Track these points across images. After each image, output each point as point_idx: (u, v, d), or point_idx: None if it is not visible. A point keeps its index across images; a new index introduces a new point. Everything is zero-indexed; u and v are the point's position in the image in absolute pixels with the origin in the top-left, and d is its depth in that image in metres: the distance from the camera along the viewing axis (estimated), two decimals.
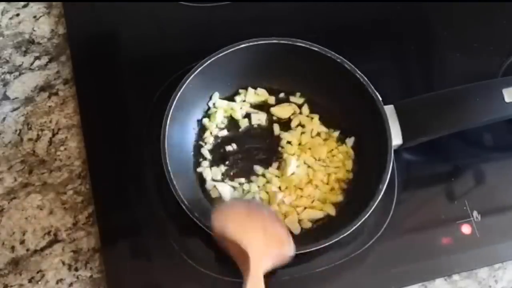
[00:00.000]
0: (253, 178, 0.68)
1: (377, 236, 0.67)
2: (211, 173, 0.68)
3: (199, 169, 0.69)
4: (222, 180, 0.68)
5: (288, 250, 0.59)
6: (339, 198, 0.67)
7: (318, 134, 0.70)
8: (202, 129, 0.70)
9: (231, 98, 0.72)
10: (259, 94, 0.72)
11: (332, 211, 0.67)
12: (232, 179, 0.68)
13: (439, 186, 0.70)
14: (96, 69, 0.74)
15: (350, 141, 0.70)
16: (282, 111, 0.71)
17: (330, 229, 0.63)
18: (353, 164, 0.69)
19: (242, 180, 0.68)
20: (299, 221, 0.66)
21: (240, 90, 0.72)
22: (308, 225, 0.66)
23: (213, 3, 0.77)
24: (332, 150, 0.70)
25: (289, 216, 0.66)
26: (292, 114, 0.71)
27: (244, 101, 0.72)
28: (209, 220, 0.60)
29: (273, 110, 0.71)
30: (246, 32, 0.68)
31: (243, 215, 0.60)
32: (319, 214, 0.67)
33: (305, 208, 0.67)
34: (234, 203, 0.64)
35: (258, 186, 0.68)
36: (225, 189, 0.67)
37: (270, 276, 0.58)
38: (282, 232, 0.60)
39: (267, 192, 0.67)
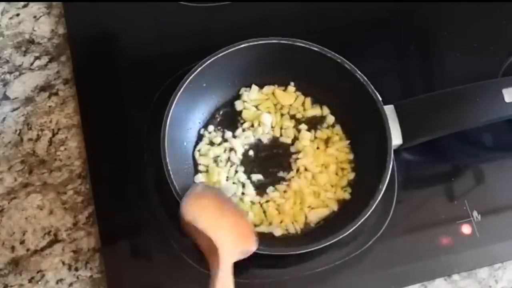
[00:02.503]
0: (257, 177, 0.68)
1: (377, 236, 0.67)
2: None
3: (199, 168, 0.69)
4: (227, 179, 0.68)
5: (252, 245, 0.60)
6: (346, 195, 0.68)
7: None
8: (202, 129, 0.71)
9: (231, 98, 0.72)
10: (263, 93, 0.72)
11: (335, 207, 0.67)
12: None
13: (439, 186, 0.70)
14: (96, 69, 0.74)
15: (348, 143, 0.70)
16: (285, 96, 0.71)
17: (330, 229, 0.63)
18: (353, 164, 0.69)
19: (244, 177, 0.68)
20: (305, 221, 0.66)
21: (242, 89, 0.72)
22: (311, 224, 0.66)
23: (213, 3, 0.77)
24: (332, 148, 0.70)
25: (297, 216, 0.67)
26: (294, 100, 0.72)
27: (245, 101, 0.72)
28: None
29: (277, 92, 0.71)
30: (246, 32, 0.68)
31: (215, 206, 0.61)
32: (325, 212, 0.67)
33: (311, 208, 0.67)
34: (206, 190, 0.63)
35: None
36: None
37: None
38: (248, 227, 0.62)
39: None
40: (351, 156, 0.69)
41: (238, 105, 0.71)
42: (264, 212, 0.67)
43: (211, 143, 0.70)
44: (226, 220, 0.61)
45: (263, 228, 0.66)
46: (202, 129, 0.70)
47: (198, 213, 0.59)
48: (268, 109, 0.71)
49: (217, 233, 0.58)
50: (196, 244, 0.61)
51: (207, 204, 0.61)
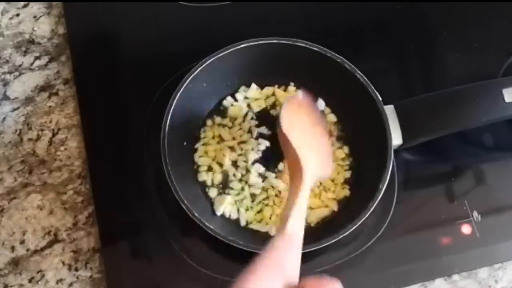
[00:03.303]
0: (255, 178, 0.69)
1: (377, 236, 0.67)
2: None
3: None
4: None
5: (329, 172, 0.62)
6: (345, 192, 0.68)
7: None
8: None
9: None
10: (262, 93, 0.72)
11: (335, 207, 0.67)
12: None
13: (439, 186, 0.70)
14: (96, 69, 0.74)
15: (348, 143, 0.70)
16: (285, 96, 0.71)
17: (330, 229, 0.63)
18: (352, 164, 0.69)
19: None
20: (305, 221, 0.66)
21: (241, 89, 0.72)
22: (311, 225, 0.66)
23: (213, 3, 0.77)
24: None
25: None
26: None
27: (246, 97, 0.72)
28: (210, 221, 0.61)
29: (277, 92, 0.71)
30: (246, 32, 0.68)
31: (310, 121, 0.61)
32: (325, 212, 0.67)
33: (311, 208, 0.67)
34: (305, 100, 0.62)
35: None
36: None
37: None
38: (330, 153, 0.63)
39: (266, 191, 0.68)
40: (350, 155, 0.69)
41: (227, 102, 0.71)
42: (261, 210, 0.67)
43: (209, 143, 0.70)
44: (316, 140, 0.60)
45: (260, 227, 0.66)
46: (202, 129, 0.70)
47: (294, 125, 0.58)
48: (260, 108, 0.71)
49: (306, 154, 0.56)
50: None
51: (304, 117, 0.60)
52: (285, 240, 0.48)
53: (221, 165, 0.69)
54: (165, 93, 0.67)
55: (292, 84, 0.72)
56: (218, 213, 0.66)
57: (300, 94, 0.63)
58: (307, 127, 0.61)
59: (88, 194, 0.68)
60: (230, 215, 0.67)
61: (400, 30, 0.79)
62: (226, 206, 0.67)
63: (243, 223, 0.66)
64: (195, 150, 0.69)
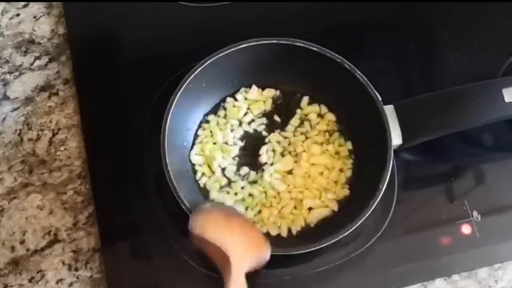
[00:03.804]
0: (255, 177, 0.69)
1: (377, 236, 0.67)
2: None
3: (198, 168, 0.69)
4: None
5: (265, 253, 0.61)
6: (345, 191, 0.68)
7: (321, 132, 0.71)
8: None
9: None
10: (262, 94, 0.72)
11: (335, 207, 0.67)
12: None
13: (439, 186, 0.70)
14: (96, 69, 0.74)
15: (348, 143, 0.70)
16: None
17: (330, 229, 0.63)
18: (352, 164, 0.69)
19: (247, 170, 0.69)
20: (305, 222, 0.66)
21: (241, 90, 0.72)
22: (311, 225, 0.66)
23: (213, 3, 0.77)
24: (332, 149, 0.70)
25: (296, 216, 0.67)
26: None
27: (246, 99, 0.72)
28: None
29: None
30: (246, 32, 0.68)
31: (222, 219, 0.62)
32: (325, 212, 0.67)
33: (310, 209, 0.67)
34: (213, 207, 0.64)
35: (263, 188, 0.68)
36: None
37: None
38: (259, 236, 0.62)
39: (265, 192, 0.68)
40: (350, 155, 0.69)
41: (227, 103, 0.71)
42: (260, 212, 0.67)
43: (206, 142, 0.70)
44: (235, 230, 0.61)
45: (259, 227, 0.66)
46: (200, 128, 0.70)
47: (207, 226, 0.60)
48: (259, 110, 0.71)
49: (226, 242, 0.58)
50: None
51: (215, 218, 0.61)
52: None
53: (218, 165, 0.69)
54: (165, 93, 0.67)
55: (292, 84, 0.72)
56: None
57: (207, 204, 0.64)
58: (222, 223, 0.61)
59: (88, 194, 0.68)
60: None
61: (400, 30, 0.78)
62: None
63: None
64: (191, 151, 0.69)
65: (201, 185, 0.68)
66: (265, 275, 0.65)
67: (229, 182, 0.68)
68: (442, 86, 0.69)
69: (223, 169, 0.69)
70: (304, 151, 0.69)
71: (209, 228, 0.60)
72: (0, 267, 0.65)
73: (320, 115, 0.71)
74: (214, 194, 0.67)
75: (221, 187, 0.68)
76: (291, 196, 0.67)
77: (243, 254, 0.59)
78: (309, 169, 0.69)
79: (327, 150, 0.70)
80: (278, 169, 0.68)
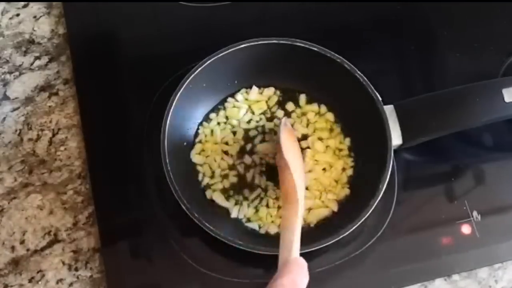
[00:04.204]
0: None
1: (377, 236, 0.67)
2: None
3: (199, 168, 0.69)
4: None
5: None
6: (346, 191, 0.68)
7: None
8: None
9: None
10: (262, 94, 0.72)
11: (335, 207, 0.67)
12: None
13: (439, 186, 0.70)
14: (96, 69, 0.74)
15: (347, 140, 0.70)
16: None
17: (330, 229, 0.63)
18: (352, 164, 0.69)
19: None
20: (305, 222, 0.67)
21: (242, 90, 0.72)
22: (311, 225, 0.66)
23: (213, 3, 0.77)
24: (332, 149, 0.70)
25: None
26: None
27: (246, 99, 0.72)
28: (210, 221, 0.61)
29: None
30: (246, 32, 0.68)
31: (297, 150, 0.65)
32: (325, 212, 0.67)
33: (310, 209, 0.67)
34: (291, 127, 0.68)
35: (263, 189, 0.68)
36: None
37: None
38: (303, 173, 0.66)
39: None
40: (350, 154, 0.69)
41: (227, 103, 0.71)
42: (257, 211, 0.67)
43: (206, 142, 0.70)
44: (300, 162, 0.64)
45: (259, 227, 0.66)
46: (200, 127, 0.70)
47: (290, 151, 0.62)
48: (261, 110, 0.71)
49: (298, 179, 0.60)
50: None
51: (294, 143, 0.65)
52: (296, 263, 0.52)
53: (218, 165, 0.69)
54: (165, 93, 0.67)
55: (292, 84, 0.72)
56: (218, 213, 0.66)
57: (288, 120, 0.68)
58: (297, 152, 0.65)
59: (88, 194, 0.68)
60: (230, 215, 0.67)
61: (400, 30, 0.79)
62: (226, 206, 0.67)
63: (243, 222, 0.66)
64: (192, 150, 0.69)
65: (202, 185, 0.68)
66: (265, 276, 0.65)
67: (230, 182, 0.68)
68: (442, 86, 0.69)
69: (224, 169, 0.69)
70: (308, 147, 0.69)
71: (291, 156, 0.61)
72: (0, 267, 0.65)
73: (320, 115, 0.71)
74: (214, 194, 0.67)
75: (221, 187, 0.68)
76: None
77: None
78: (313, 167, 0.68)
79: (328, 146, 0.70)
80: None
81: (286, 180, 0.61)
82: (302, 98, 0.72)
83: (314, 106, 0.71)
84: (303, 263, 0.52)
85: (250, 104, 0.71)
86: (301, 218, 0.57)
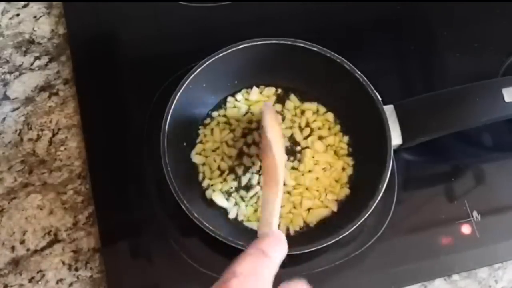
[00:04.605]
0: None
1: (377, 236, 0.67)
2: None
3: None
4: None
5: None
6: (346, 191, 0.68)
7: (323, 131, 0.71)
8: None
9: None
10: (263, 94, 0.72)
11: (334, 207, 0.67)
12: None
13: (439, 186, 0.70)
14: (96, 69, 0.74)
15: (347, 140, 0.70)
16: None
17: (330, 229, 0.63)
18: (352, 164, 0.69)
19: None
20: (305, 222, 0.67)
21: (242, 91, 0.72)
22: (311, 225, 0.66)
23: (213, 3, 0.77)
24: (331, 149, 0.70)
25: (295, 216, 0.67)
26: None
27: (247, 99, 0.72)
28: (209, 221, 0.61)
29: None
30: (246, 32, 0.68)
31: (278, 129, 0.66)
32: (325, 212, 0.67)
33: (310, 209, 0.67)
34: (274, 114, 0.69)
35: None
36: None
37: None
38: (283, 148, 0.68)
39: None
40: (350, 154, 0.70)
41: (228, 103, 0.71)
42: (255, 210, 0.67)
43: (207, 142, 0.70)
44: (281, 140, 0.66)
45: (255, 226, 0.66)
46: (201, 128, 0.70)
47: (273, 131, 0.63)
48: (260, 109, 0.71)
49: (280, 158, 0.61)
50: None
51: (275, 123, 0.66)
52: (275, 235, 0.52)
53: (218, 165, 0.69)
54: (165, 93, 0.67)
55: (291, 85, 0.72)
56: (218, 213, 0.66)
57: (270, 103, 0.70)
58: (279, 134, 0.66)
59: (88, 194, 0.68)
60: (230, 215, 0.67)
61: (400, 30, 0.79)
62: (226, 206, 0.67)
63: (243, 222, 0.66)
64: (192, 150, 0.69)
65: (202, 184, 0.68)
66: None
67: (230, 182, 0.68)
68: (442, 86, 0.69)
69: (224, 169, 0.69)
70: (308, 147, 0.69)
71: (274, 136, 0.62)
72: (0, 267, 0.65)
73: (320, 115, 0.71)
74: (214, 194, 0.67)
75: (221, 187, 0.68)
76: (289, 197, 0.67)
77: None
78: (313, 167, 0.68)
79: (328, 146, 0.70)
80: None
81: (268, 159, 0.61)
82: (302, 98, 0.72)
83: (314, 106, 0.71)
84: (279, 235, 0.52)
85: (250, 104, 0.71)
86: (280, 197, 0.57)
